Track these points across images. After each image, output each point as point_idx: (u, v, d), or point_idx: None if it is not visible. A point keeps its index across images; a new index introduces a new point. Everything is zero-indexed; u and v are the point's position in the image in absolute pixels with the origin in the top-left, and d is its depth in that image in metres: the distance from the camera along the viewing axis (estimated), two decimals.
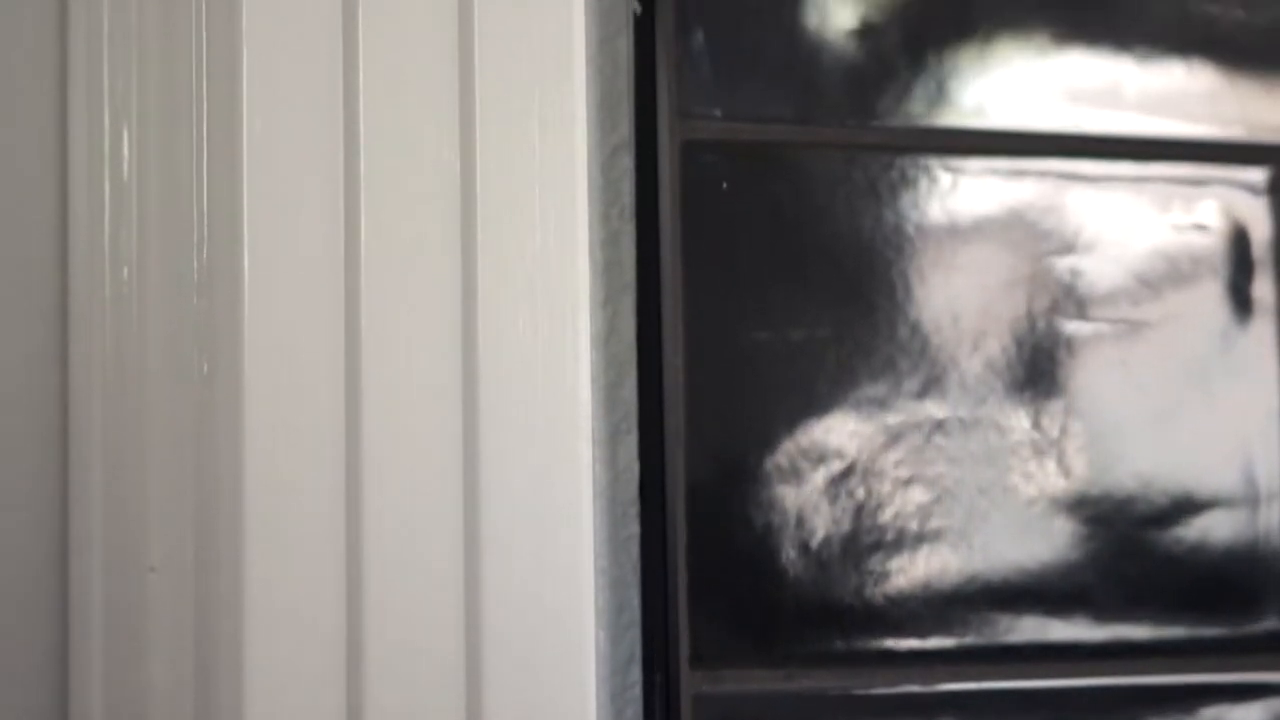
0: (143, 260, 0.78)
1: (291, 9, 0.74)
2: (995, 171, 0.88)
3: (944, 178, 0.87)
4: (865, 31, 0.86)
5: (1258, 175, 0.93)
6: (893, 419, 0.85)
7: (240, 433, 0.72)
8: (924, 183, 0.86)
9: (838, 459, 0.84)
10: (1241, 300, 0.91)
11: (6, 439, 0.79)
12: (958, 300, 0.86)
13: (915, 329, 0.85)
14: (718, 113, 0.83)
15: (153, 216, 0.78)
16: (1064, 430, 0.87)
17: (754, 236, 0.84)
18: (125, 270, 0.78)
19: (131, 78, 0.79)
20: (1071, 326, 0.88)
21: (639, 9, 0.82)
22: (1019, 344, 0.87)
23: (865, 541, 0.84)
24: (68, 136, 0.81)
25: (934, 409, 0.86)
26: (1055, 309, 0.88)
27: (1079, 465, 0.88)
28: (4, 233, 0.80)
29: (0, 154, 0.81)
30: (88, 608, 0.77)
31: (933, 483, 0.85)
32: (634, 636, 0.81)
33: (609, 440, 0.81)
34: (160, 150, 0.78)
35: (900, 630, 0.84)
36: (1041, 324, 0.88)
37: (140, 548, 0.76)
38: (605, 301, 0.82)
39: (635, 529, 0.81)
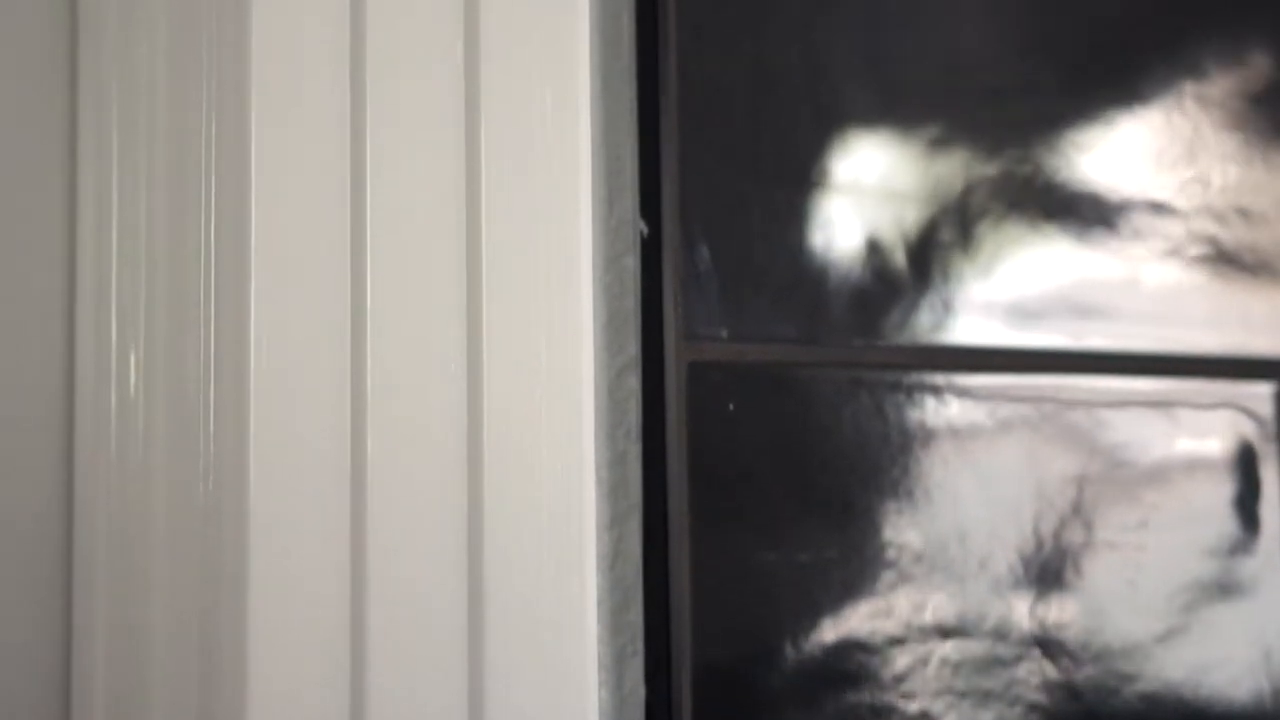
0: (149, 483, 0.77)
1: (297, 240, 0.74)
2: (1001, 388, 0.88)
3: (950, 395, 0.87)
4: (870, 250, 0.86)
5: (1263, 390, 0.93)
6: (900, 643, 0.84)
7: (244, 672, 0.71)
8: (930, 401, 0.86)
9: (846, 684, 0.83)
10: (1249, 517, 0.91)
11: (10, 662, 0.78)
12: (965, 520, 0.86)
13: (923, 551, 0.85)
14: (724, 333, 0.83)
15: (159, 439, 0.77)
16: (1073, 655, 0.87)
17: (761, 457, 0.83)
18: (131, 492, 0.77)
19: (140, 299, 0.79)
20: (1079, 546, 0.88)
21: (646, 230, 0.83)
22: (1026, 564, 0.87)
23: None
24: (75, 356, 0.81)
25: (942, 632, 0.85)
26: (1063, 528, 0.87)
27: (1088, 688, 0.87)
28: (11, 453, 0.80)
29: (8, 372, 0.81)
30: None
31: (942, 710, 0.84)
32: None
33: (615, 664, 0.81)
34: (167, 372, 0.78)
35: None
36: (1049, 544, 0.87)
37: None
38: (611, 524, 0.81)
39: None
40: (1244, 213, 0.93)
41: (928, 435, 0.86)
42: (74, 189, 0.82)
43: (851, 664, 0.83)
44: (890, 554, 0.84)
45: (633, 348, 0.82)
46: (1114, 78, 0.91)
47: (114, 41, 0.80)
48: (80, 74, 0.82)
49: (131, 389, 0.79)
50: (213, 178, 0.76)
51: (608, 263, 0.82)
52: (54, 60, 0.82)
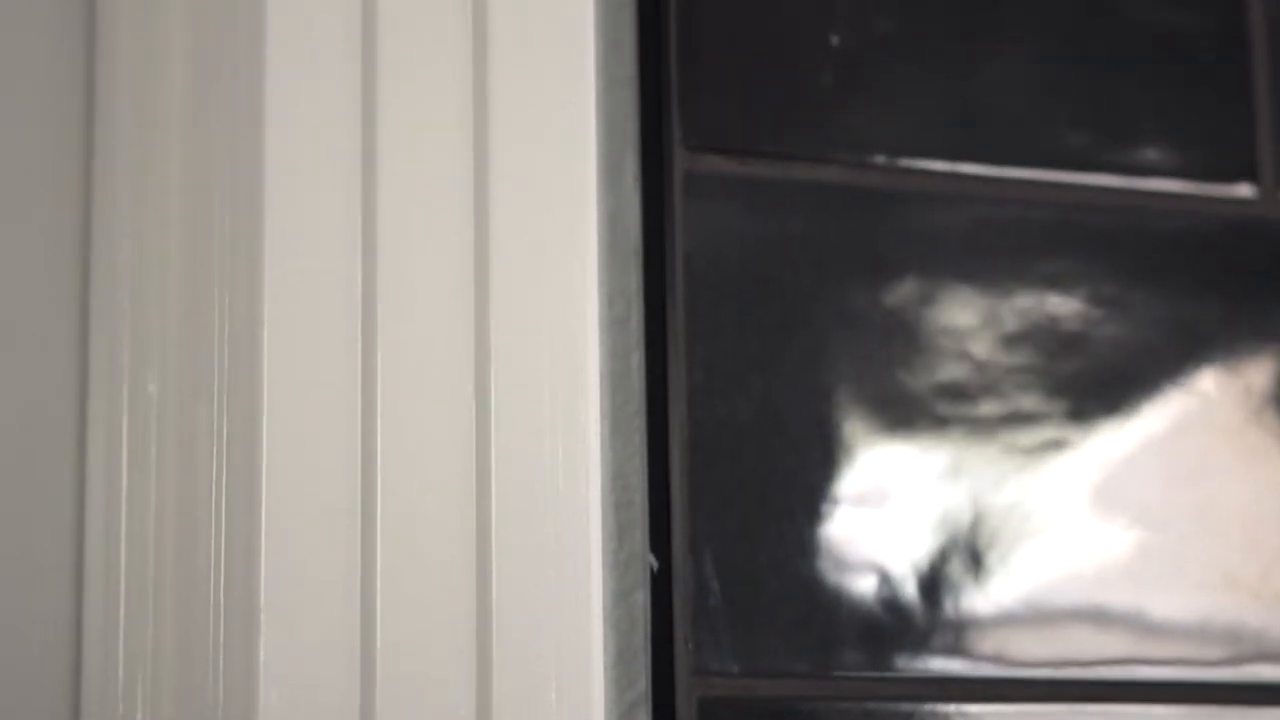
0: None
1: (307, 579, 0.75)
2: (1014, 717, 0.87)
3: None
4: (881, 582, 0.86)
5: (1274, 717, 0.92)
6: None
7: None
8: None
9: None
10: None
11: None
12: None
13: None
14: (735, 668, 0.83)
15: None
16: None
17: None
18: None
19: (148, 629, 0.79)
20: None
21: (656, 565, 0.83)
22: None
23: None
24: (80, 690, 0.81)
25: None
26: None
27: None
28: None
29: (12, 702, 0.81)
30: None
31: None
32: None
33: None
34: (174, 707, 0.78)
35: None
36: None
37: None
38: None
39: None
40: (1253, 542, 0.93)
41: None
42: (83, 501, 0.83)
43: None
44: None
45: (642, 683, 0.82)
46: (1118, 404, 0.92)
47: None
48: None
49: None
50: (223, 498, 0.77)
51: (617, 599, 0.82)
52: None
